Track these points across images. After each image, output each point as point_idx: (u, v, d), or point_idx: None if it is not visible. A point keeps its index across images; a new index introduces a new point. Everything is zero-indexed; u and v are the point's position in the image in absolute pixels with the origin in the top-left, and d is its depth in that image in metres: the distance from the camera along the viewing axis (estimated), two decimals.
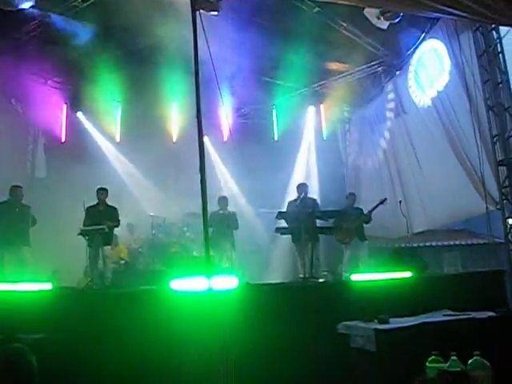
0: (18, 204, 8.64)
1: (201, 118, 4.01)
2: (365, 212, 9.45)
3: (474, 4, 3.88)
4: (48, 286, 6.31)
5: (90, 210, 8.76)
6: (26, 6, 8.41)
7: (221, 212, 9.69)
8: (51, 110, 12.70)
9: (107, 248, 8.92)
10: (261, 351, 5.11)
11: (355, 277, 7.01)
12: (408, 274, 6.94)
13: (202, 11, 4.20)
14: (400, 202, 9.77)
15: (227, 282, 5.82)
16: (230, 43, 9.76)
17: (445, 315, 5.39)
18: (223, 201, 9.88)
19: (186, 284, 5.76)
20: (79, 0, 9.33)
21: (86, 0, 9.32)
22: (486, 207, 8.41)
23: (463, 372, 3.41)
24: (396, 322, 5.00)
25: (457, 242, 14.38)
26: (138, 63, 11.45)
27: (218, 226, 9.25)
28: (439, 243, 13.90)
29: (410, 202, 11.04)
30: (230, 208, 10.03)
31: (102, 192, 9.02)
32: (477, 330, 4.73)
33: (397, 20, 8.84)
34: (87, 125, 13.16)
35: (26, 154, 13.07)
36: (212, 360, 3.72)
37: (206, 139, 3.74)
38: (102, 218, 8.60)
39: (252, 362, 4.88)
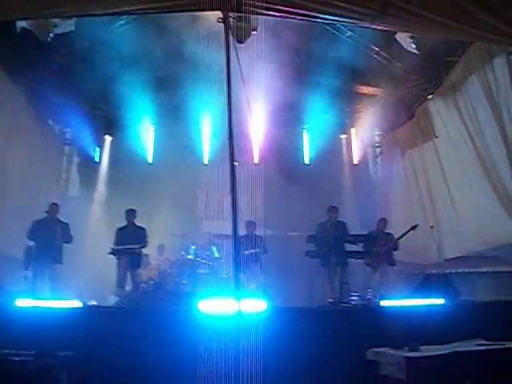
0: (54, 221, 8.81)
1: (233, 140, 4.06)
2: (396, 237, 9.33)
3: (507, 27, 3.85)
4: (79, 304, 6.40)
5: (119, 232, 8.89)
6: (64, 31, 8.69)
7: (249, 236, 9.57)
8: (85, 131, 12.99)
9: (138, 271, 8.99)
10: (288, 376, 5.07)
11: (385, 302, 6.91)
12: (440, 301, 6.81)
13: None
14: (431, 227, 9.62)
15: (255, 305, 5.80)
16: (263, 69, 9.88)
17: (478, 344, 5.25)
18: (251, 225, 9.78)
19: (213, 306, 5.77)
20: (116, 25, 9.59)
21: (123, 24, 9.58)
22: None
23: None
24: (427, 350, 4.91)
25: (490, 269, 13.97)
26: (171, 86, 11.67)
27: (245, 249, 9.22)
28: (471, 270, 13.55)
29: (442, 228, 10.85)
30: (260, 231, 9.96)
31: (130, 213, 9.14)
32: None
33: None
34: (120, 146, 13.39)
35: (60, 172, 13.37)
36: (238, 381, 3.70)
37: (236, 161, 3.79)
38: (131, 239, 8.71)
39: None
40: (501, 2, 3.65)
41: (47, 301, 6.45)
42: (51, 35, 8.76)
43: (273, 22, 8.56)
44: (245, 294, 5.15)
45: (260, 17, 7.15)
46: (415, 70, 11.34)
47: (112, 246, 8.67)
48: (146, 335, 5.42)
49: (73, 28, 8.78)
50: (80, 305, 6.46)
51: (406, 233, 9.18)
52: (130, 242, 8.66)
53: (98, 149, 13.66)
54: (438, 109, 11.21)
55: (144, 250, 9.51)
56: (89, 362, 5.00)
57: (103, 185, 13.20)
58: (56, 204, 9.01)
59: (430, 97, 11.69)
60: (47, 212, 8.71)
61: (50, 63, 10.48)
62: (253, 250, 9.26)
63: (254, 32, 8.59)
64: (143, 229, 9.14)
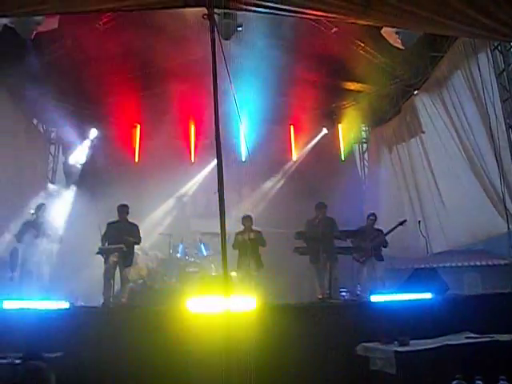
0: (44, 221, 8.75)
1: (219, 138, 4.03)
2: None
3: (492, 22, 3.86)
4: (66, 305, 6.35)
5: (110, 227, 8.72)
6: (47, 28, 8.57)
7: (245, 236, 9.44)
8: (71, 131, 12.89)
9: (128, 269, 8.85)
10: (278, 371, 5.06)
11: (374, 298, 6.93)
12: (428, 296, 6.84)
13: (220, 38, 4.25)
14: (419, 222, 9.67)
15: (245, 302, 5.79)
16: (248, 63, 9.85)
17: (467, 337, 5.29)
18: (248, 220, 9.63)
19: (202, 304, 5.75)
20: (100, 23, 9.51)
21: (106, 23, 9.50)
22: (508, 227, 8.28)
23: None
24: (416, 344, 4.93)
25: (477, 263, 14.15)
26: (157, 84, 11.62)
27: (242, 246, 9.16)
28: (459, 264, 13.69)
29: (429, 223, 10.93)
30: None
31: (123, 209, 8.94)
32: (501, 352, 4.63)
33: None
34: (106, 145, 13.29)
35: (46, 172, 13.27)
36: (229, 380, 3.68)
37: (223, 159, 3.76)
38: (122, 235, 8.54)
39: (269, 383, 4.82)
40: None
41: (34, 302, 6.38)
42: (34, 33, 8.65)
43: (258, 18, 8.55)
44: (234, 291, 5.14)
45: (245, 13, 7.12)
46: (401, 65, 11.38)
47: (100, 246, 8.55)
48: (135, 335, 5.38)
49: (56, 26, 8.66)
50: (67, 305, 6.41)
51: (394, 228, 9.22)
52: (121, 237, 8.49)
53: (84, 148, 13.52)
54: (425, 104, 11.28)
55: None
56: (77, 363, 4.96)
57: (90, 184, 13.10)
58: (43, 204, 8.93)
59: (416, 92, 11.75)
60: (33, 213, 8.62)
61: (34, 62, 10.35)
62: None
63: (240, 28, 8.57)
64: (136, 225, 8.99)
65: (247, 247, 9.10)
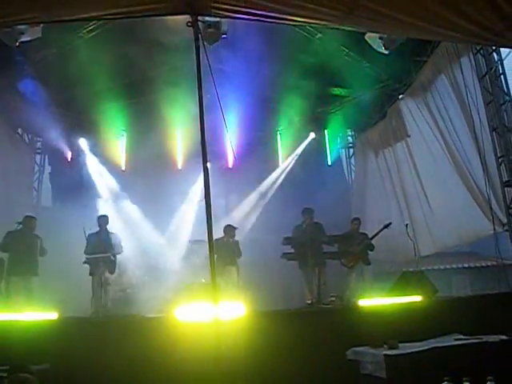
0: (30, 234, 8.61)
1: (205, 145, 4.03)
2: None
3: (473, 26, 3.90)
4: (54, 316, 6.27)
5: (91, 238, 8.76)
6: (31, 37, 8.51)
7: (225, 239, 9.54)
8: (57, 140, 12.81)
9: (111, 276, 8.86)
10: (268, 379, 5.04)
11: (363, 302, 6.94)
12: (417, 299, 6.87)
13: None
14: (407, 225, 9.71)
15: (234, 310, 5.77)
16: (233, 70, 9.88)
17: (456, 339, 5.32)
18: (230, 229, 9.71)
19: (191, 312, 5.72)
20: (84, 31, 9.47)
21: (91, 31, 9.47)
22: (494, 228, 8.35)
23: None
24: (406, 348, 4.95)
25: (465, 265, 14.25)
26: (143, 92, 11.60)
27: (222, 253, 9.17)
28: (447, 266, 13.78)
29: (417, 226, 10.99)
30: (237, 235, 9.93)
31: (103, 219, 9.03)
32: (489, 354, 4.65)
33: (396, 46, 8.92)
34: (92, 154, 13.19)
35: (31, 182, 13.16)
36: None
37: (210, 166, 3.75)
38: (103, 245, 8.58)
39: None
40: (467, 3, 3.71)
41: (20, 313, 6.30)
42: (19, 41, 8.59)
43: (243, 25, 8.57)
44: (222, 299, 5.12)
45: (229, 20, 7.14)
46: (385, 70, 11.46)
47: (87, 256, 8.53)
48: (123, 345, 5.34)
49: (40, 35, 8.61)
50: (55, 316, 6.34)
51: (380, 232, 9.27)
52: (102, 247, 8.53)
53: (69, 158, 13.43)
54: (410, 108, 11.36)
55: (119, 257, 9.37)
56: (65, 374, 4.91)
57: (76, 194, 13.01)
58: (31, 217, 8.81)
59: (400, 96, 11.84)
60: (20, 223, 8.52)
61: (19, 70, 10.29)
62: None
63: (224, 36, 8.57)
64: (116, 235, 9.04)
65: (228, 250, 9.18)
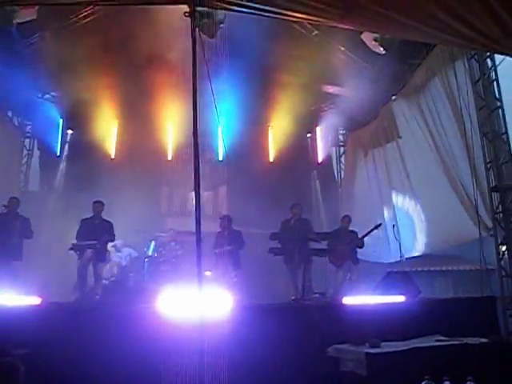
0: (16, 216, 8.50)
1: (197, 136, 4.02)
2: (359, 236, 9.42)
3: (471, 31, 3.92)
4: (37, 301, 6.24)
5: (84, 223, 8.65)
6: (26, 19, 8.41)
7: (225, 232, 9.48)
8: (47, 124, 12.70)
9: (102, 265, 8.79)
10: (250, 372, 5.06)
11: (347, 300, 6.97)
12: (400, 299, 6.91)
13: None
14: (393, 226, 9.76)
15: (218, 302, 5.77)
16: (228, 63, 9.83)
17: (437, 340, 5.38)
18: (226, 220, 9.70)
19: (175, 303, 5.72)
20: (80, 16, 9.38)
21: (86, 16, 9.37)
22: (480, 233, 8.40)
23: None
24: (387, 346, 4.99)
25: (449, 268, 14.32)
26: (135, 81, 11.51)
27: (222, 245, 9.17)
28: (432, 268, 13.85)
29: (404, 227, 11.05)
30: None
31: (99, 205, 8.86)
32: (469, 355, 4.71)
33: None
34: (82, 140, 13.08)
35: (20, 166, 13.04)
36: (201, 380, 3.67)
37: (200, 158, 3.74)
38: (97, 232, 8.48)
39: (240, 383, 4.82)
40: (464, 8, 3.72)
41: (3, 298, 6.26)
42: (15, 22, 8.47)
43: (240, 18, 8.52)
44: (208, 291, 5.12)
45: (226, 12, 7.09)
46: (380, 70, 11.47)
47: (73, 242, 8.45)
48: (106, 333, 5.33)
49: (35, 16, 8.50)
50: (38, 301, 6.30)
51: (370, 232, 9.29)
52: (95, 233, 8.42)
53: (59, 143, 13.33)
54: (402, 109, 11.38)
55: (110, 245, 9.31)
56: (47, 359, 4.89)
57: (65, 179, 12.92)
58: (15, 198, 8.70)
59: (394, 97, 11.87)
60: (5, 206, 8.43)
61: (11, 53, 10.16)
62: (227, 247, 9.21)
63: (222, 25, 8.50)
64: (110, 222, 8.92)
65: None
